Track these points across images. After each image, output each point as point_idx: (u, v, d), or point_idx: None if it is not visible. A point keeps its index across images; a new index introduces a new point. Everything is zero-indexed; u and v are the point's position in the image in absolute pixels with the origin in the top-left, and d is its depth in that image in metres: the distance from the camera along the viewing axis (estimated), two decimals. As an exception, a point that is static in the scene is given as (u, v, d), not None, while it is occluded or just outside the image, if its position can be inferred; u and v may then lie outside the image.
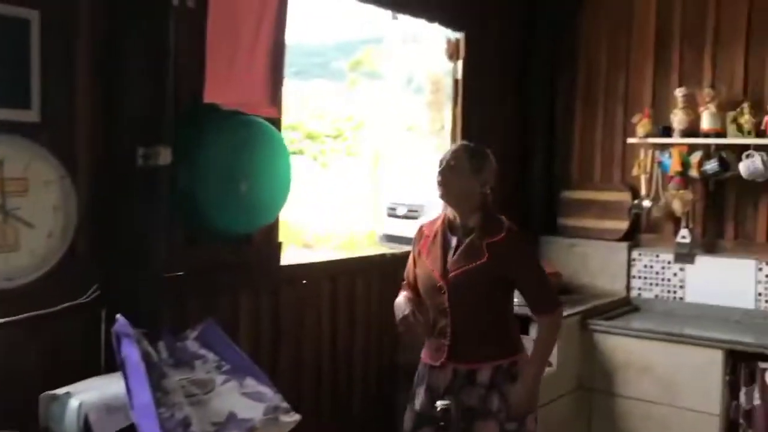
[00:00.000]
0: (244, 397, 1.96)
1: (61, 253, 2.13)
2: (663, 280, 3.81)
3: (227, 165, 2.44)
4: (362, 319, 3.23)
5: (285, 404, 1.99)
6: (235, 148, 2.45)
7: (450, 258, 2.50)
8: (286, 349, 2.88)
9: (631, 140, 3.76)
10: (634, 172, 3.74)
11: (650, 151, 3.71)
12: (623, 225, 3.93)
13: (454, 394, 2.50)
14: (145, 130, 2.23)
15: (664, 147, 3.65)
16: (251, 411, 1.90)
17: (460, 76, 3.79)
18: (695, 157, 3.53)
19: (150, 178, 2.24)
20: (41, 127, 2.09)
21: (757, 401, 3.05)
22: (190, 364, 2.06)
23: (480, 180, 2.48)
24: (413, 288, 2.63)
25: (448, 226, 2.56)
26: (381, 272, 3.27)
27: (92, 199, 2.22)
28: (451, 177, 2.46)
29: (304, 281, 2.98)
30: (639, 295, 3.88)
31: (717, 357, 3.15)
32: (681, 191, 3.61)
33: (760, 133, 3.40)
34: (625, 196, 3.91)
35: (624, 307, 3.83)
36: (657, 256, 3.83)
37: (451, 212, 2.55)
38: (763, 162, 3.35)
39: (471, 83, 3.81)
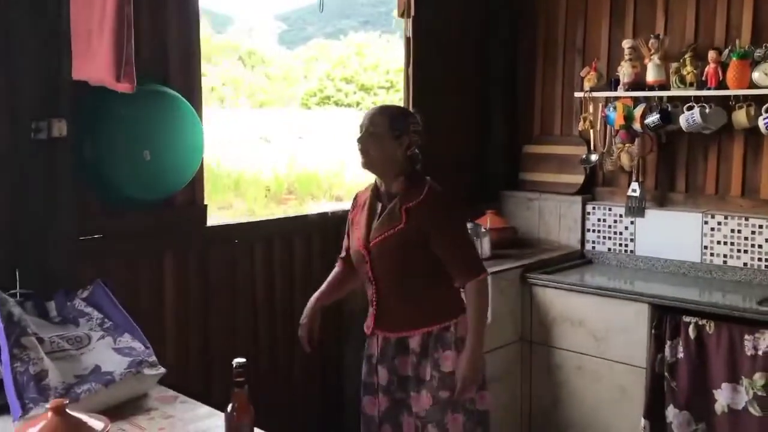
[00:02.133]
0: (114, 352, 2.13)
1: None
2: (615, 233, 3.81)
3: (130, 135, 2.59)
4: (302, 280, 3.32)
5: (153, 359, 2.15)
6: (137, 118, 2.60)
7: (373, 226, 2.49)
8: (217, 310, 3.04)
9: (577, 94, 3.73)
10: (580, 126, 3.71)
11: (599, 105, 3.68)
12: (579, 179, 3.92)
13: (388, 362, 2.54)
14: (40, 105, 2.39)
15: (610, 100, 3.61)
16: (116, 365, 2.06)
17: (410, 34, 3.81)
18: (638, 110, 3.48)
19: (46, 149, 2.42)
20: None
21: (681, 354, 3.06)
22: (75, 321, 2.23)
23: (402, 144, 2.44)
24: (347, 260, 2.66)
25: (376, 194, 2.53)
26: (322, 231, 3.38)
27: (2, 170, 2.40)
28: (370, 144, 2.42)
29: (236, 241, 3.13)
30: (593, 248, 3.89)
31: (643, 311, 3.17)
32: (626, 145, 3.57)
33: (701, 85, 3.33)
34: (581, 150, 3.89)
35: (577, 260, 3.86)
36: (609, 209, 3.82)
37: (378, 179, 2.52)
38: (702, 114, 3.29)
39: (424, 40, 3.82)
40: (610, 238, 3.83)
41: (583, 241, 3.91)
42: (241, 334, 3.14)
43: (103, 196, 2.66)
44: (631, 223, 3.74)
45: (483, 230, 3.69)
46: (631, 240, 3.75)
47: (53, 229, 2.46)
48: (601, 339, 3.32)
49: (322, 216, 3.44)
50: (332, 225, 3.37)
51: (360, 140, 2.45)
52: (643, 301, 3.18)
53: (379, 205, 2.51)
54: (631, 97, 3.53)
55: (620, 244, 3.80)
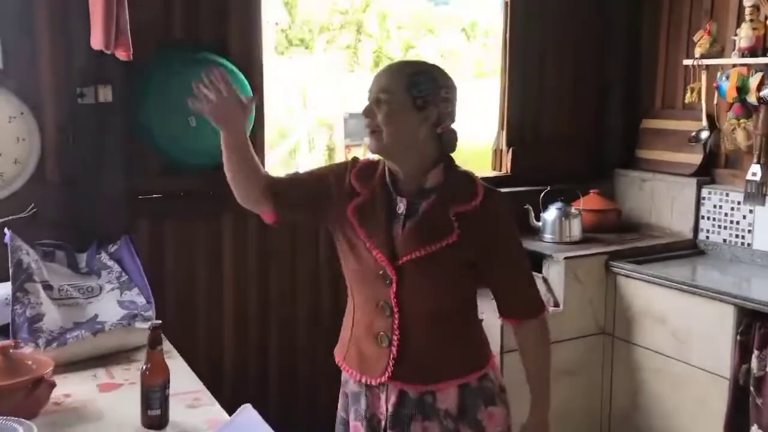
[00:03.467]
0: (116, 304, 2.29)
1: (27, 176, 2.62)
2: (732, 222, 3.32)
3: (175, 102, 2.71)
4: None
5: (149, 313, 2.27)
6: (183, 86, 2.71)
7: (399, 232, 1.76)
8: (276, 271, 3.14)
9: (686, 61, 3.27)
10: (687, 98, 3.26)
11: (716, 74, 3.20)
12: (697, 159, 3.46)
13: (403, 427, 1.79)
14: (86, 72, 2.60)
15: (724, 69, 3.12)
16: (111, 315, 2.22)
17: (509, -2, 3.57)
18: (755, 80, 2.98)
19: (94, 113, 2.62)
20: (3, 73, 2.55)
21: (769, 368, 2.63)
22: (98, 273, 2.43)
23: (429, 117, 1.73)
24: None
25: (391, 184, 1.81)
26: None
27: (54, 132, 2.65)
28: (382, 117, 1.72)
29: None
30: (707, 237, 3.42)
31: (728, 313, 2.75)
32: (742, 121, 3.08)
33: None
34: (708, 125, 3.42)
35: (687, 250, 3.43)
36: (727, 195, 3.33)
37: (393, 165, 1.81)
38: (829, 85, 2.74)
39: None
40: (726, 227, 3.35)
41: (696, 230, 3.46)
42: (300, 298, 3.22)
43: (160, 158, 2.84)
44: (750, 211, 3.23)
45: (573, 211, 3.40)
46: (749, 231, 3.25)
47: (101, 188, 2.68)
48: (684, 341, 2.94)
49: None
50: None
51: (365, 112, 1.76)
52: (728, 302, 2.75)
53: (402, 203, 1.78)
54: (747, 64, 3.03)
55: (737, 236, 3.30)
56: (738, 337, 2.71)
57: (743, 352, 2.70)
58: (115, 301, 2.31)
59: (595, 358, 3.26)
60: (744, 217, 3.26)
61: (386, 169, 1.82)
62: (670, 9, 3.60)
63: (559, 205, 3.39)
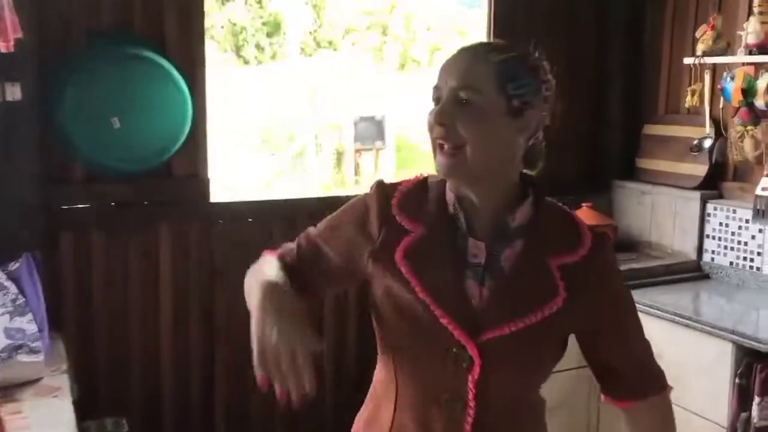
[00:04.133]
0: (2, 333, 2.00)
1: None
2: (739, 243, 2.92)
3: (95, 101, 2.43)
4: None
5: (37, 344, 1.98)
6: (104, 83, 2.43)
7: (476, 292, 1.26)
8: (222, 291, 2.82)
9: (687, 60, 2.88)
10: (687, 102, 2.87)
11: (722, 74, 2.81)
12: (702, 170, 3.07)
13: None
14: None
15: (729, 68, 2.73)
16: (-8, 346, 1.93)
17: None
18: (763, 82, 2.59)
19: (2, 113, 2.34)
20: None
21: (772, 417, 2.24)
22: (-8, 294, 2.15)
23: (528, 125, 1.24)
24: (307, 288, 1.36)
25: (461, 213, 1.28)
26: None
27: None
28: (469, 127, 1.21)
29: (250, 219, 2.88)
30: (712, 259, 3.03)
31: (726, 351, 2.37)
32: (749, 128, 2.69)
33: None
34: (712, 132, 3.02)
35: (689, 272, 3.04)
36: (734, 211, 2.93)
37: (469, 191, 1.28)
38: None
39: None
40: (732, 248, 2.95)
41: (700, 250, 3.07)
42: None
43: (84, 164, 2.56)
44: (760, 231, 2.84)
45: (560, 227, 3.04)
46: (758, 254, 2.85)
47: (6, 198, 2.39)
48: (677, 378, 2.53)
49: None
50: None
51: (439, 116, 1.22)
52: (726, 338, 2.37)
53: (478, 249, 1.27)
54: (755, 63, 2.64)
55: (744, 258, 2.91)
56: (736, 380, 2.33)
57: (742, 397, 2.32)
58: (2, 328, 2.02)
59: (580, 392, 2.88)
60: (753, 237, 2.87)
61: (451, 196, 1.28)
62: (675, 2, 3.21)
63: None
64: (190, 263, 2.77)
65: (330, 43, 6.98)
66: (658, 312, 2.60)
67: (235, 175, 5.43)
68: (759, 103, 2.61)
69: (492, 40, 1.52)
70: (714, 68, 2.91)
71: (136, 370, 2.71)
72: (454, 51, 1.27)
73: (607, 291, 1.30)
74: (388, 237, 1.29)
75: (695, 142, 2.95)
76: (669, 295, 2.77)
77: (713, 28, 2.78)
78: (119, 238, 2.65)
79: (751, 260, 2.88)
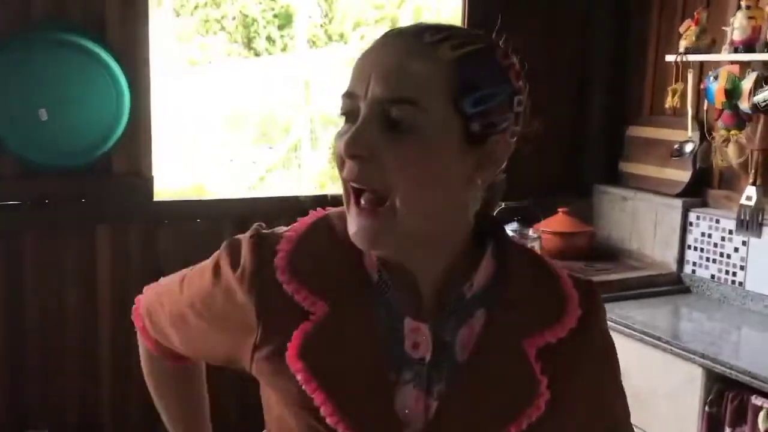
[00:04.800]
0: None
1: None
2: (722, 255, 2.72)
3: (23, 90, 2.27)
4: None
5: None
6: (29, 72, 2.27)
7: (423, 406, 0.86)
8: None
9: (669, 57, 2.67)
10: (667, 103, 2.66)
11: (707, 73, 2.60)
12: (684, 176, 2.86)
13: None
14: None
15: (713, 67, 2.52)
16: None
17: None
18: (748, 82, 2.38)
19: None
20: None
21: (744, 451, 2.04)
22: None
23: (489, 161, 0.85)
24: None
25: (390, 281, 0.88)
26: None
27: None
28: (395, 167, 0.80)
29: (198, 220, 2.71)
30: (693, 272, 2.83)
31: (696, 376, 2.17)
32: (732, 132, 2.48)
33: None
34: (695, 136, 2.82)
35: (667, 286, 2.84)
36: (717, 221, 2.73)
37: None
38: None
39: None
40: (714, 261, 2.75)
41: (681, 260, 2.87)
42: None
43: (14, 158, 2.39)
44: (743, 243, 2.63)
45: (532, 234, 2.85)
46: (741, 268, 2.65)
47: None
48: (644, 402, 2.36)
49: (319, 200, 2.85)
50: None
51: (355, 142, 0.80)
52: (695, 362, 2.17)
53: (420, 334, 0.87)
54: (740, 62, 2.43)
55: (727, 272, 2.70)
56: (706, 408, 2.13)
57: (712, 427, 2.12)
58: None
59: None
60: (736, 249, 2.66)
61: (373, 256, 0.88)
62: (661, 2, 3.00)
63: (514, 227, 2.83)
64: (132, 265, 2.61)
65: (341, 35, 6.85)
66: (627, 330, 2.40)
67: (231, 169, 5.29)
68: (743, 105, 2.40)
69: (438, 23, 0.86)
70: (701, 66, 2.71)
71: (71, 378, 2.55)
72: (381, 36, 0.85)
73: (602, 376, 0.96)
74: (272, 324, 0.86)
75: (676, 146, 2.75)
76: (643, 310, 2.57)
77: (697, 23, 2.56)
78: (54, 237, 2.49)
79: (734, 274, 2.67)
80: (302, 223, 0.92)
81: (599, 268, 2.92)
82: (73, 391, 2.56)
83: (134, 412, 2.65)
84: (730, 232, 2.66)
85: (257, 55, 6.63)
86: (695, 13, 2.59)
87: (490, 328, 0.88)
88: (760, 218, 2.53)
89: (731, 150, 2.52)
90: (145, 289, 1.08)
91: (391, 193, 0.80)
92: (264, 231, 0.93)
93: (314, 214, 0.93)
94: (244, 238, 0.92)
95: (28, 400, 2.49)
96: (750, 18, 2.39)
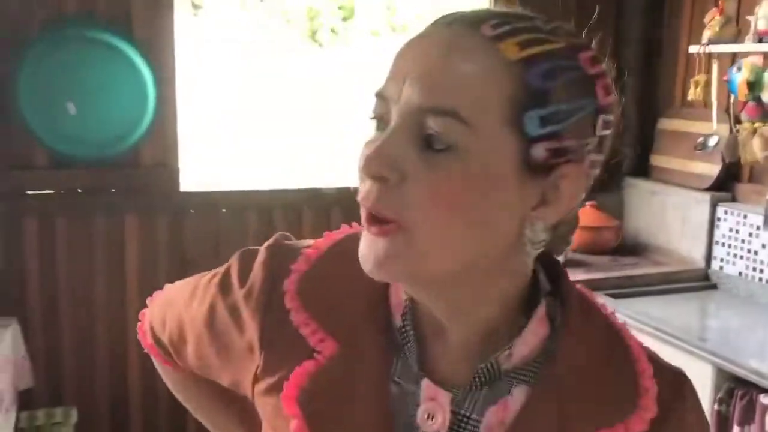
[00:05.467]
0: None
1: None
2: (749, 252, 2.65)
3: (52, 85, 2.39)
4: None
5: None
6: (58, 67, 2.38)
7: None
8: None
9: (693, 48, 2.60)
10: (690, 95, 2.60)
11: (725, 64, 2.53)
12: (714, 170, 2.79)
13: None
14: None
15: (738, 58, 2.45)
16: None
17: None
18: (772, 74, 2.31)
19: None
20: None
21: (753, 450, 2.00)
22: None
23: (555, 197, 0.66)
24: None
25: (412, 331, 0.72)
26: (344, 210, 2.85)
27: None
28: (423, 195, 0.62)
29: (224, 210, 2.80)
30: (721, 268, 2.76)
31: (706, 374, 2.13)
32: (756, 125, 2.41)
33: None
34: (725, 129, 2.75)
35: (695, 282, 2.78)
36: (745, 216, 2.66)
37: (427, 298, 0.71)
38: None
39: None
40: (742, 257, 2.68)
41: (709, 257, 2.80)
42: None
43: (48, 150, 2.52)
44: (771, 239, 2.56)
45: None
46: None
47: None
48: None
49: (342, 192, 2.90)
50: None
51: (378, 159, 0.62)
52: (706, 359, 2.13)
53: (438, 405, 0.70)
54: (764, 53, 2.36)
55: (754, 268, 2.63)
56: (716, 406, 2.09)
57: (721, 425, 2.08)
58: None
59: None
60: (763, 246, 2.59)
61: (401, 293, 0.74)
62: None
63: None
64: (159, 253, 2.71)
65: (404, 28, 6.91)
66: (641, 325, 2.37)
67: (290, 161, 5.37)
68: (767, 97, 2.33)
69: (499, 11, 0.66)
70: (733, 57, 2.64)
71: (100, 360, 2.68)
72: (431, 23, 0.67)
73: None
74: (276, 354, 0.75)
75: (700, 139, 2.69)
76: (665, 306, 2.53)
77: (722, 12, 2.50)
78: (84, 225, 2.61)
79: (761, 271, 2.60)
80: (328, 238, 0.78)
81: (625, 263, 2.88)
82: (104, 372, 2.67)
83: (162, 393, 2.76)
84: (758, 227, 2.59)
85: (321, 46, 6.74)
86: (720, 2, 2.52)
87: (528, 411, 0.68)
88: (787, 214, 2.46)
89: (756, 143, 2.45)
90: (149, 301, 0.94)
91: (413, 225, 0.62)
92: (286, 242, 0.81)
93: (345, 230, 0.79)
94: (261, 249, 0.80)
95: (61, 380, 2.62)
96: (776, 8, 2.32)
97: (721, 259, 2.75)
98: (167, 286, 0.94)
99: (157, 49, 2.56)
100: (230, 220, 2.77)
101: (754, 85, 2.34)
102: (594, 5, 3.01)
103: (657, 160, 3.10)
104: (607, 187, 3.17)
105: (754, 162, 2.57)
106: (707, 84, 2.55)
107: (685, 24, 2.98)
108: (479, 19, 0.64)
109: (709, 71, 2.55)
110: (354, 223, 0.78)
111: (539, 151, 0.63)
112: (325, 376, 0.71)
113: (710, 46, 2.51)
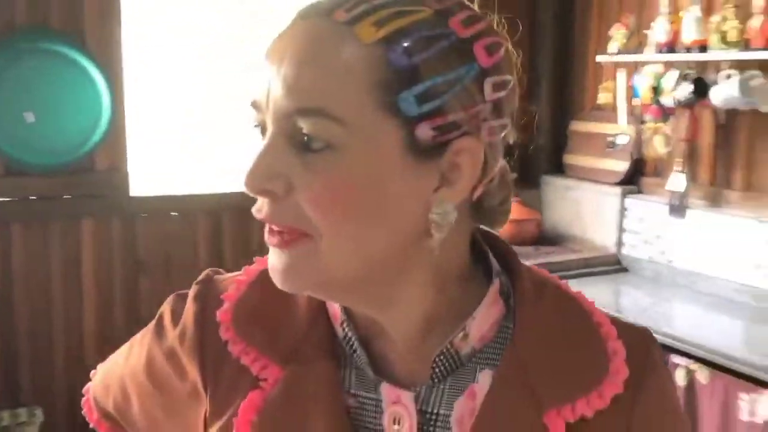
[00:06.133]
0: None
1: None
2: (656, 237, 3.00)
3: (10, 95, 2.47)
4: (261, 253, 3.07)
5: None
6: (15, 78, 2.47)
7: None
8: (148, 281, 2.86)
9: (600, 58, 2.95)
10: (600, 99, 2.94)
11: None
12: (621, 165, 3.14)
13: None
14: None
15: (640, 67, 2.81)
16: None
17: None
18: (670, 79, 2.66)
19: None
20: None
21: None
22: None
23: (458, 177, 0.62)
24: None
25: (355, 337, 0.69)
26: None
27: None
28: (311, 203, 0.60)
29: (174, 213, 2.92)
30: (630, 253, 3.11)
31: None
32: (658, 124, 2.77)
33: (747, 45, 2.44)
34: (631, 130, 3.10)
35: (607, 266, 3.11)
36: (650, 206, 3.01)
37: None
38: (743, 86, 2.40)
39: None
40: (648, 242, 3.03)
41: (619, 244, 3.15)
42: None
43: (2, 157, 2.58)
44: (672, 226, 2.91)
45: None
46: (671, 248, 2.93)
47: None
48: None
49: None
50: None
51: (256, 176, 0.60)
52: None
53: (402, 408, 0.67)
54: (664, 62, 2.71)
55: (660, 252, 2.99)
56: (634, 370, 2.40)
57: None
58: None
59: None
60: (666, 231, 2.94)
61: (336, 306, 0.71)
62: (600, 2, 3.28)
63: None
64: (114, 257, 2.81)
65: None
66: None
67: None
68: (666, 100, 2.68)
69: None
70: (635, 66, 2.98)
71: (59, 362, 2.74)
72: (291, 19, 0.63)
73: None
74: (222, 393, 0.71)
75: (610, 139, 3.03)
76: (583, 288, 2.82)
77: (627, 25, 2.84)
78: (40, 231, 2.68)
79: (664, 253, 2.96)
80: (259, 263, 0.74)
81: (546, 251, 3.19)
82: (61, 373, 2.75)
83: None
84: (662, 216, 2.95)
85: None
86: (623, 18, 2.87)
87: (495, 393, 0.65)
88: (686, 203, 2.82)
89: (658, 141, 2.80)
90: (92, 374, 0.88)
91: (314, 232, 0.60)
92: (216, 276, 0.77)
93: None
94: (196, 294, 0.75)
95: (20, 381, 2.68)
96: (671, 23, 2.67)
97: (631, 245, 3.10)
98: (109, 358, 0.87)
99: (108, 57, 2.67)
100: (181, 224, 2.90)
101: (656, 90, 2.69)
102: (513, 17, 3.34)
103: (571, 159, 3.43)
104: (527, 184, 3.50)
105: (657, 157, 2.93)
106: (614, 89, 2.88)
107: (593, 36, 3.33)
108: (333, 5, 0.60)
109: (615, 78, 2.89)
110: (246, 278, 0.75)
111: (424, 131, 0.59)
112: (273, 404, 0.67)
113: (617, 56, 2.84)
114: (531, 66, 3.52)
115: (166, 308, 0.77)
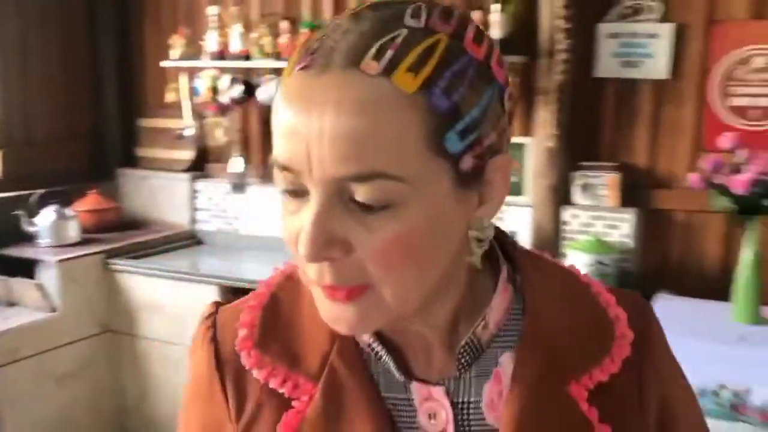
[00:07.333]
0: None
1: None
2: (223, 212, 3.65)
3: None
4: None
5: None
6: None
7: None
8: None
9: (164, 63, 3.49)
10: (167, 98, 3.49)
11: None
12: (188, 154, 3.71)
13: None
14: None
15: (199, 71, 3.42)
16: None
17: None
18: (224, 82, 3.32)
19: None
20: None
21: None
22: None
23: (490, 193, 0.66)
24: None
25: (380, 345, 0.72)
26: None
27: None
28: (375, 258, 0.61)
29: None
30: (203, 228, 3.70)
31: (213, 294, 3.02)
32: (218, 118, 3.41)
33: (279, 56, 3.22)
34: (193, 123, 3.66)
35: (185, 240, 3.65)
36: (216, 187, 3.64)
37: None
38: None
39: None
40: (219, 216, 3.66)
41: (193, 221, 3.71)
42: None
43: None
44: (236, 201, 3.58)
45: (69, 213, 3.34)
46: (237, 219, 3.61)
47: None
48: (180, 325, 3.13)
49: None
50: None
51: (316, 247, 0.60)
52: (211, 282, 3.02)
53: (436, 403, 0.70)
54: (219, 67, 3.35)
55: (228, 224, 3.64)
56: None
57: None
58: None
59: (101, 357, 3.26)
60: (232, 206, 3.60)
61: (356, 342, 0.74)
62: (152, 12, 3.75)
63: (54, 208, 3.30)
64: None
65: None
66: (161, 273, 3.13)
67: None
68: (224, 99, 3.31)
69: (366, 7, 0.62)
70: (195, 70, 3.53)
71: None
72: (300, 72, 0.60)
73: (670, 403, 0.75)
74: (255, 425, 0.72)
75: (178, 132, 3.55)
76: (168, 261, 3.32)
77: (184, 36, 3.39)
78: None
79: (232, 224, 3.61)
80: (266, 286, 0.76)
81: (128, 235, 3.56)
82: None
83: None
84: (227, 193, 3.58)
85: None
86: (180, 29, 3.41)
87: (521, 375, 0.68)
88: (245, 180, 3.50)
89: (218, 132, 3.42)
90: None
91: (377, 282, 0.62)
92: (222, 306, 0.78)
93: (278, 273, 0.77)
94: (203, 337, 0.76)
95: None
96: (220, 36, 3.30)
97: (203, 221, 3.68)
98: None
99: None
100: None
101: (214, 90, 3.29)
102: (76, 23, 3.83)
103: (143, 152, 3.86)
104: (102, 177, 3.81)
105: (218, 146, 3.55)
106: (179, 90, 3.40)
107: (152, 44, 3.79)
108: (353, 55, 0.58)
109: (179, 80, 3.41)
110: (289, 262, 0.75)
111: (467, 162, 0.61)
112: (316, 419, 0.68)
113: (179, 61, 3.37)
114: (96, 69, 3.83)
115: (191, 358, 0.78)
